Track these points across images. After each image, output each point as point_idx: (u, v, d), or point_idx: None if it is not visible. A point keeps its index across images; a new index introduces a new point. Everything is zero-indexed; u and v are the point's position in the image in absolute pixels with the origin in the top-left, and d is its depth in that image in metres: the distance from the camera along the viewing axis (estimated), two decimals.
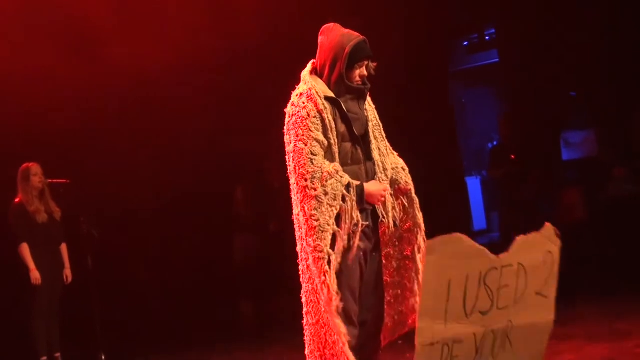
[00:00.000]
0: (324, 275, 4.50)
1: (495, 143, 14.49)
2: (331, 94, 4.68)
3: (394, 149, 5.02)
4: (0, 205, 9.06)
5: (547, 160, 11.72)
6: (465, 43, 15.09)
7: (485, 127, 16.13)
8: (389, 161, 4.89)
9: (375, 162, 4.78)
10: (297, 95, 4.74)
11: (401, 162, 5.00)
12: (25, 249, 8.61)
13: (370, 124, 4.85)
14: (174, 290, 11.56)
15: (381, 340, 4.96)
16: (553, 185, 11.61)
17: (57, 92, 10.57)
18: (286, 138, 4.70)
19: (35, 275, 8.59)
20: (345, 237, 4.56)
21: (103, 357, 8.88)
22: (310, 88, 4.68)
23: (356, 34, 4.76)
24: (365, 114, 4.84)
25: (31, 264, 8.59)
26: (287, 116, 4.72)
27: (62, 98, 10.65)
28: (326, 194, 4.51)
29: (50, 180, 8.93)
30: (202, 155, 11.63)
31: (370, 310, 4.82)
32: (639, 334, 6.43)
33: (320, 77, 4.76)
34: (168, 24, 10.98)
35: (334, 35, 4.73)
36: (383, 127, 4.95)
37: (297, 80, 4.83)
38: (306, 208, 4.55)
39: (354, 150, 4.71)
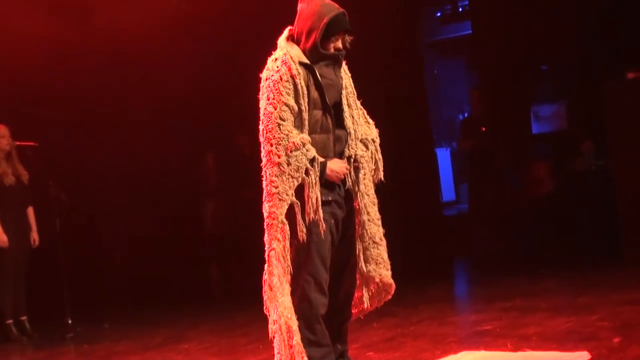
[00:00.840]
0: (276, 242, 4.57)
1: (466, 115, 14.52)
2: (306, 60, 4.68)
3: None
4: None
5: (517, 134, 11.77)
6: (439, 14, 15.08)
7: (457, 98, 16.17)
8: (361, 130, 4.90)
9: (347, 130, 4.79)
10: (272, 60, 4.75)
11: (374, 133, 5.00)
12: None
13: (344, 91, 4.85)
14: (142, 255, 11.57)
15: (352, 312, 4.98)
16: (522, 159, 11.66)
17: (32, 53, 10.48)
18: (260, 103, 4.71)
19: (2, 238, 8.56)
20: (310, 209, 4.58)
21: (70, 321, 8.88)
22: (285, 53, 4.69)
23: (336, 5, 4.75)
24: (340, 81, 4.84)
25: None
26: (261, 80, 4.73)
27: (36, 60, 10.57)
28: (289, 164, 4.54)
29: (18, 143, 8.87)
30: (174, 121, 11.60)
31: (342, 279, 4.85)
32: (601, 307, 6.49)
33: (297, 44, 4.75)
34: None
35: (314, 5, 4.72)
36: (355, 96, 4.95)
37: (273, 47, 4.83)
38: (268, 173, 4.60)
39: (324, 118, 4.72)
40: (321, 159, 4.63)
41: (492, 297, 7.69)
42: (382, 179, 4.97)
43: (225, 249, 11.59)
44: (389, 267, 4.93)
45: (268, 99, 4.62)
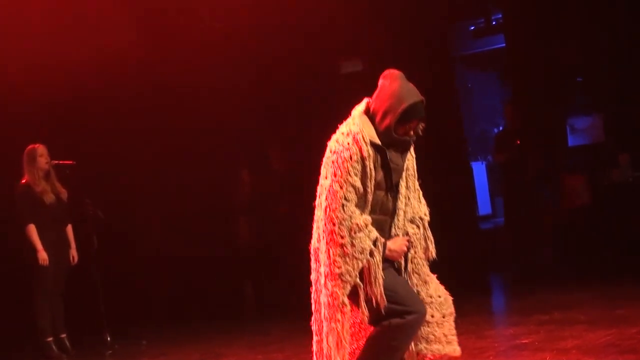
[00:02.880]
0: (335, 323, 4.56)
1: (500, 128, 14.50)
2: (378, 141, 4.61)
3: None
4: (2, 187, 9.12)
5: (553, 146, 11.73)
6: (472, 27, 15.06)
7: (491, 112, 16.12)
8: (411, 210, 4.86)
9: (397, 211, 4.77)
10: (343, 134, 4.67)
11: (422, 210, 4.93)
12: (32, 230, 8.64)
13: (405, 172, 4.82)
14: (178, 271, 11.62)
15: None
16: (558, 171, 11.62)
17: (63, 75, 10.61)
18: (322, 170, 4.66)
19: (43, 256, 8.62)
20: (376, 291, 4.54)
21: (108, 338, 8.94)
22: (358, 132, 4.61)
23: (416, 92, 4.65)
24: (404, 164, 4.82)
25: (38, 245, 8.63)
26: (328, 150, 4.67)
27: (68, 80, 10.70)
28: (353, 245, 4.51)
29: (55, 162, 8.96)
30: (209, 138, 11.66)
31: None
32: None
33: (371, 120, 4.67)
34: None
35: (395, 86, 4.63)
36: None
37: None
38: (331, 252, 4.55)
39: (385, 199, 4.69)
40: (382, 240, 4.62)
41: (529, 310, 7.66)
42: (435, 256, 4.89)
43: (259, 265, 11.61)
44: (448, 340, 4.84)
45: (335, 176, 4.56)
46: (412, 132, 4.71)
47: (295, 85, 11.84)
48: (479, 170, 15.26)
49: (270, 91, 11.89)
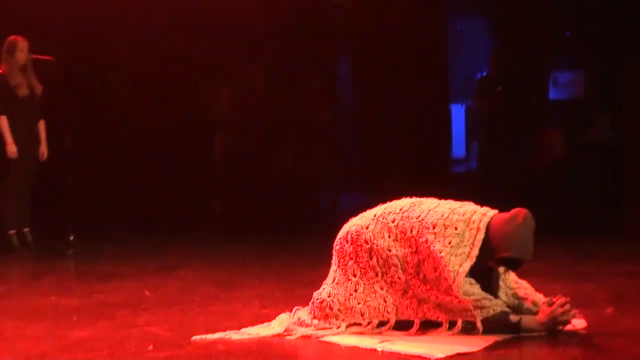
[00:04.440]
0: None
1: (484, 74, 14.45)
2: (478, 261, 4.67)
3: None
4: None
5: (533, 97, 11.72)
6: None
7: (479, 57, 16.05)
8: None
9: None
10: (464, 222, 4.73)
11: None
12: (3, 122, 8.60)
13: None
14: (150, 180, 11.59)
15: None
16: (536, 123, 11.64)
17: None
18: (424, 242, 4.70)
19: (12, 149, 8.59)
20: None
21: (71, 238, 8.95)
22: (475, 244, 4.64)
23: (530, 248, 4.65)
24: None
25: (8, 137, 8.59)
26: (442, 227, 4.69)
27: None
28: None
29: (34, 56, 8.86)
30: (189, 53, 11.55)
31: None
32: (598, 277, 6.55)
33: (489, 237, 4.65)
34: None
35: (518, 230, 4.63)
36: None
37: None
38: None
39: None
40: None
41: None
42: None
43: (231, 184, 11.63)
44: None
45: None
46: (496, 269, 4.81)
47: (278, 12, 11.68)
48: (458, 113, 15.25)
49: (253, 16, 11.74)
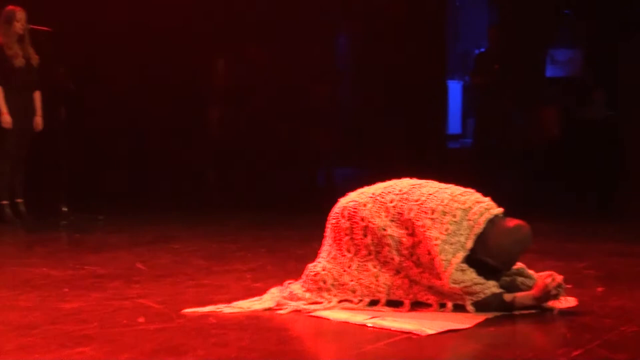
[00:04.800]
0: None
1: (482, 50, 14.43)
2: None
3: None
4: None
5: (530, 75, 11.71)
6: None
7: (477, 33, 16.00)
8: None
9: None
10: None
11: None
12: None
13: None
14: (145, 152, 11.60)
15: None
16: (532, 101, 11.63)
17: None
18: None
19: (6, 119, 8.58)
20: None
21: (65, 209, 8.95)
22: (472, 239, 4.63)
23: (513, 264, 4.77)
24: None
25: (3, 107, 8.57)
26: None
27: None
28: None
29: (32, 26, 8.83)
30: (185, 24, 11.52)
31: None
32: (588, 256, 6.56)
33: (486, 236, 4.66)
34: None
35: (510, 244, 4.65)
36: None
37: None
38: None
39: None
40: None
41: None
42: None
43: (225, 156, 11.63)
44: None
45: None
46: None
47: None
48: (454, 89, 15.23)
49: None
